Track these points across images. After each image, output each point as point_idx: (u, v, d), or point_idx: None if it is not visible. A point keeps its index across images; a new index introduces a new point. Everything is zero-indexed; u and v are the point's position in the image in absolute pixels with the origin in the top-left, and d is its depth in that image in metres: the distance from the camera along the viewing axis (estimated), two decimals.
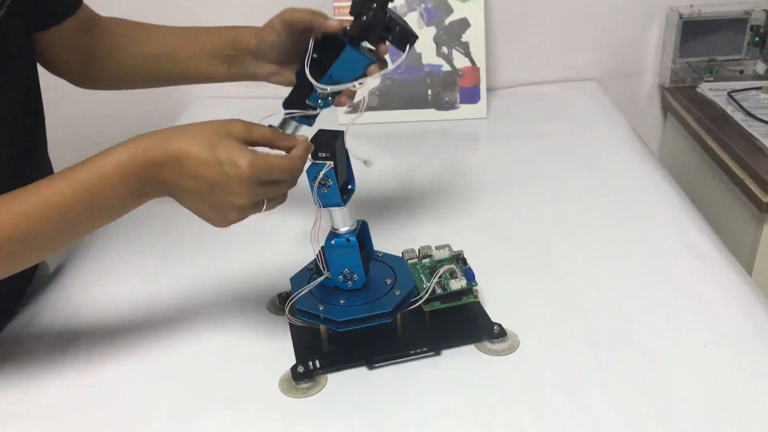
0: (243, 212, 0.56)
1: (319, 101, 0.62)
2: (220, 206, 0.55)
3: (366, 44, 0.62)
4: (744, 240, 0.98)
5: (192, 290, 0.73)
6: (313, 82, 0.60)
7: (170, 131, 0.55)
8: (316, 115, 0.63)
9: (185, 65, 0.76)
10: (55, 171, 0.77)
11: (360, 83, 0.61)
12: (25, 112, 0.70)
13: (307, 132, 0.60)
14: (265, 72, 0.71)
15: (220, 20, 0.78)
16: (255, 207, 0.56)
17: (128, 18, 0.80)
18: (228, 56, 0.73)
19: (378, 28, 0.60)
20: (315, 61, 0.61)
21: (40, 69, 0.75)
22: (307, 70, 0.60)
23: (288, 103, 0.62)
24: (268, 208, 0.57)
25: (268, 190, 0.56)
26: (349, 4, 0.60)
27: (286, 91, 0.64)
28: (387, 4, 0.60)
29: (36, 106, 0.73)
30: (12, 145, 0.67)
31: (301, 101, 0.62)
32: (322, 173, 0.58)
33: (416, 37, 0.62)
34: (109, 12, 0.81)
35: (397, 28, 0.61)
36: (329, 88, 0.61)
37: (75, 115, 1.31)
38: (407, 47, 0.62)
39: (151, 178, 0.55)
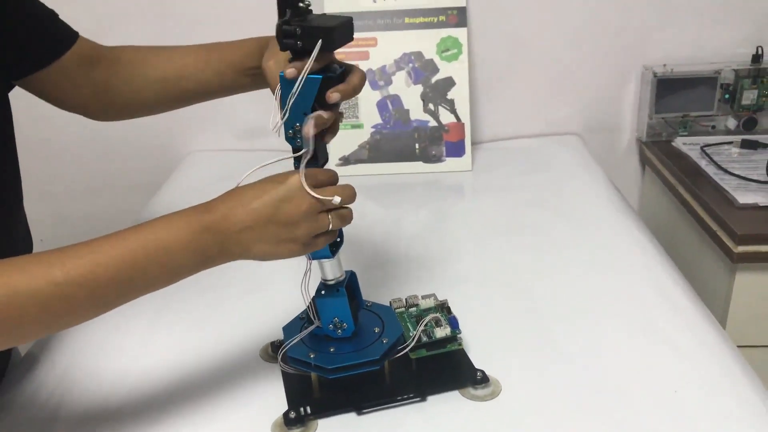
0: (311, 224, 0.57)
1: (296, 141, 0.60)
2: (287, 223, 0.56)
3: None
4: (718, 289, 1.01)
5: (187, 339, 0.76)
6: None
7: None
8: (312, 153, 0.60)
9: (209, 81, 0.77)
10: (30, 226, 0.77)
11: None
12: (1, 172, 0.69)
13: None
14: None
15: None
16: (320, 220, 0.58)
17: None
18: (252, 70, 0.73)
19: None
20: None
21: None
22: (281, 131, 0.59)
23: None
24: (334, 225, 0.59)
25: (324, 196, 0.58)
26: None
27: (279, 141, 0.65)
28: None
29: (11, 165, 0.71)
30: None
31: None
32: None
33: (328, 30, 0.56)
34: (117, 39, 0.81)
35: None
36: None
37: (67, 170, 1.35)
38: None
39: (213, 232, 0.56)
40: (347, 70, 0.62)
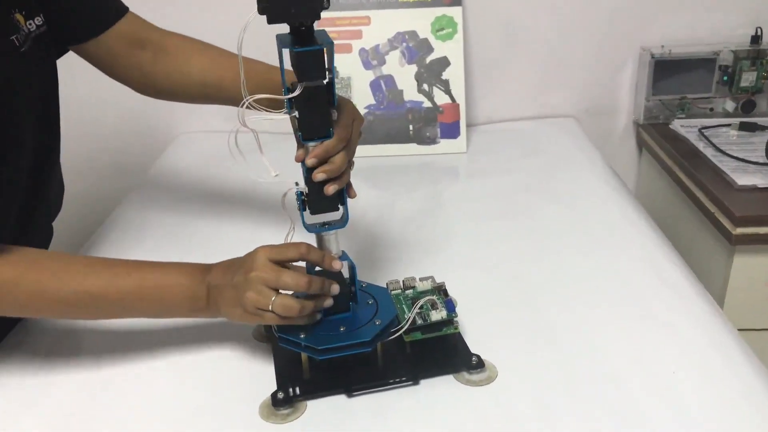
0: (254, 294, 0.61)
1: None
2: (236, 286, 0.62)
3: None
4: (716, 271, 1.00)
5: (181, 319, 0.74)
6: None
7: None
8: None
9: (234, 95, 0.78)
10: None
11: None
12: (45, 131, 0.74)
13: None
14: None
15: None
16: (263, 294, 0.60)
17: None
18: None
19: None
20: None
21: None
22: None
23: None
24: (275, 306, 0.60)
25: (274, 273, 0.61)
26: None
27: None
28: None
29: (54, 125, 0.77)
30: (34, 158, 0.72)
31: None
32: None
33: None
34: None
35: None
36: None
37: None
38: None
39: (206, 285, 0.64)
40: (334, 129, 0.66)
